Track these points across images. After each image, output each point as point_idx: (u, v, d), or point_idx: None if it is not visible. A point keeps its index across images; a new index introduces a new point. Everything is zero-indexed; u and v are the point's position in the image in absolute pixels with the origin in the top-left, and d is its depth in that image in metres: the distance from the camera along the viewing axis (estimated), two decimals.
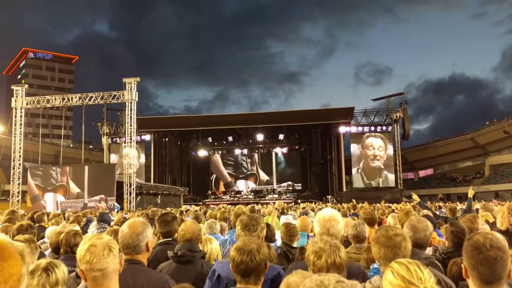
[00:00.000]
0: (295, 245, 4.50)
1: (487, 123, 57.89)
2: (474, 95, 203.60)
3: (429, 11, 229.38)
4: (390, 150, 43.79)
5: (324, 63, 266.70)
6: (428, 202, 27.30)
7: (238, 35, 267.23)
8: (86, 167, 27.07)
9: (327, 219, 2.96)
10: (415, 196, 8.61)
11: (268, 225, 5.08)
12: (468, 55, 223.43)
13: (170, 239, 3.91)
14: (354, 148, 44.10)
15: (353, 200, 17.63)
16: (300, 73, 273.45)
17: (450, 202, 28.04)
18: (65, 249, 3.95)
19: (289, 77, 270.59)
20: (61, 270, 2.51)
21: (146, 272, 2.68)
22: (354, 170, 43.90)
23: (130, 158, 26.84)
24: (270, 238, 4.66)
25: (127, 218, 8.83)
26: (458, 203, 23.48)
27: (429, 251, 4.06)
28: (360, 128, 44.01)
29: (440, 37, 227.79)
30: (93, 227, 6.19)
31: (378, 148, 43.43)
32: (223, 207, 17.19)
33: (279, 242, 5.02)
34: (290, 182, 46.15)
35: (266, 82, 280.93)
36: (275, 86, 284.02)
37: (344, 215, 8.21)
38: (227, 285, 2.75)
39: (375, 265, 2.89)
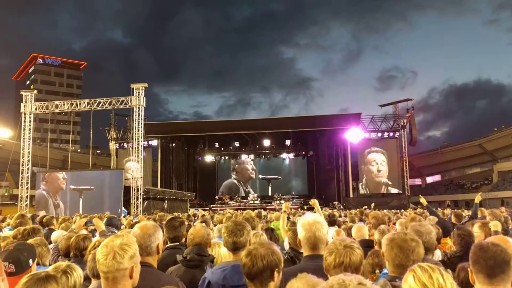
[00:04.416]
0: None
1: (495, 129, 57.50)
2: (495, 100, 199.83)
3: (442, 16, 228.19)
4: (395, 160, 43.56)
5: (347, 68, 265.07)
6: (439, 209, 27.18)
7: (253, 41, 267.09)
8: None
9: (312, 223, 2.96)
10: (422, 200, 8.55)
11: (272, 229, 5.11)
12: (494, 60, 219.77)
13: (178, 243, 3.95)
14: (360, 156, 43.95)
15: (365, 206, 17.57)
16: (321, 78, 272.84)
17: (457, 209, 27.82)
18: (74, 253, 4.01)
19: (310, 82, 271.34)
20: (78, 274, 2.55)
21: (156, 274, 2.70)
22: (359, 185, 43.72)
23: (134, 172, 27.04)
24: (274, 242, 4.68)
25: (136, 221, 8.89)
26: (465, 210, 23.29)
27: (438, 256, 4.08)
28: (367, 134, 43.85)
29: (464, 42, 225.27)
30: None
31: (381, 163, 43.09)
32: (229, 212, 17.22)
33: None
34: (293, 193, 46.11)
35: (287, 87, 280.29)
36: (296, 91, 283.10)
37: (352, 221, 8.24)
38: None
39: (385, 270, 2.90)
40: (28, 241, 3.59)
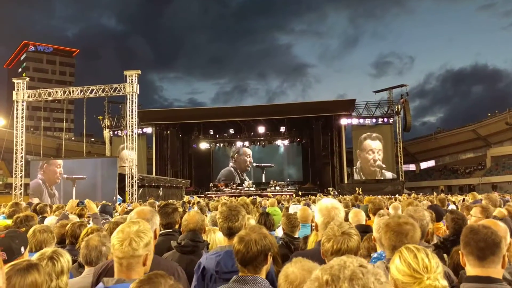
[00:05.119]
0: (296, 235, 4.53)
1: (489, 114, 57.70)
2: (491, 86, 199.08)
3: (439, 1, 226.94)
4: (389, 146, 43.61)
5: (345, 54, 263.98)
6: (435, 193, 27.36)
7: (249, 27, 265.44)
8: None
9: (330, 208, 2.95)
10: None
11: (267, 214, 5.12)
12: (491, 45, 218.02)
13: (171, 230, 3.93)
14: (355, 143, 43.97)
15: (357, 189, 17.63)
16: (319, 64, 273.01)
17: (451, 194, 28.08)
18: (70, 240, 4.00)
19: (307, 69, 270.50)
20: (66, 259, 2.54)
21: (155, 259, 2.68)
22: (353, 169, 43.82)
23: (130, 162, 26.95)
24: (269, 227, 4.68)
25: (131, 209, 8.88)
26: (458, 195, 23.50)
27: (433, 241, 4.10)
28: (361, 120, 43.91)
29: (462, 27, 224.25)
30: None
31: (378, 152, 43.12)
32: (224, 199, 17.26)
33: (279, 232, 5.05)
34: (288, 179, 46.21)
35: (284, 74, 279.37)
36: (292, 78, 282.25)
37: (346, 207, 8.25)
38: (212, 276, 2.77)
39: (375, 254, 2.92)
40: (34, 228, 3.58)
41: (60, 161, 27.77)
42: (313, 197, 19.81)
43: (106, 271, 2.62)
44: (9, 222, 5.22)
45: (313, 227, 3.24)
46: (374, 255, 2.92)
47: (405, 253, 1.84)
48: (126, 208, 9.30)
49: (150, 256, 2.22)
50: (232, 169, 50.65)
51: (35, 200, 25.22)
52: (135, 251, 2.12)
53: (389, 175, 43.12)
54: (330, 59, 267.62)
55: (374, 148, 43.17)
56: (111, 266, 2.64)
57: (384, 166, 42.94)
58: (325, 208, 2.96)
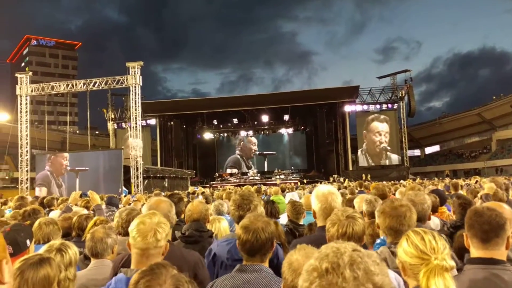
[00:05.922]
0: (301, 222, 4.54)
1: (494, 98, 57.29)
2: (498, 69, 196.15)
3: None
4: (394, 131, 43.43)
5: (351, 40, 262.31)
6: (435, 179, 27.29)
7: (253, 15, 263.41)
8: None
9: (327, 194, 2.96)
10: None
11: (273, 202, 5.12)
12: (499, 27, 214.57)
13: (177, 220, 3.95)
14: (359, 129, 43.81)
15: (363, 176, 17.57)
16: (325, 51, 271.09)
17: (456, 179, 28.00)
18: (77, 232, 4.02)
19: (312, 56, 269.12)
20: (74, 251, 2.56)
21: (177, 251, 2.70)
22: (358, 151, 43.71)
23: (136, 150, 26.98)
24: (274, 215, 4.70)
25: (135, 200, 8.92)
26: (464, 179, 23.42)
27: (436, 226, 4.09)
28: (365, 107, 43.69)
29: (470, 10, 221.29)
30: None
31: (385, 134, 42.91)
32: (229, 188, 17.28)
33: (283, 220, 5.05)
34: (292, 168, 46.16)
35: (290, 62, 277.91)
36: (298, 66, 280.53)
37: (352, 193, 8.26)
38: (222, 263, 2.78)
39: (378, 240, 2.92)
40: (39, 220, 3.60)
41: (66, 154, 27.97)
42: (318, 185, 19.84)
43: (127, 264, 2.64)
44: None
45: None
46: (378, 241, 2.92)
47: (412, 235, 1.85)
48: (130, 200, 9.33)
49: (167, 246, 2.27)
50: (238, 156, 50.82)
51: (43, 190, 25.64)
52: (158, 242, 2.17)
53: (394, 157, 42.93)
54: (336, 45, 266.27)
55: (381, 130, 42.93)
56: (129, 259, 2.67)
57: (389, 148, 42.82)
58: (322, 194, 2.98)
